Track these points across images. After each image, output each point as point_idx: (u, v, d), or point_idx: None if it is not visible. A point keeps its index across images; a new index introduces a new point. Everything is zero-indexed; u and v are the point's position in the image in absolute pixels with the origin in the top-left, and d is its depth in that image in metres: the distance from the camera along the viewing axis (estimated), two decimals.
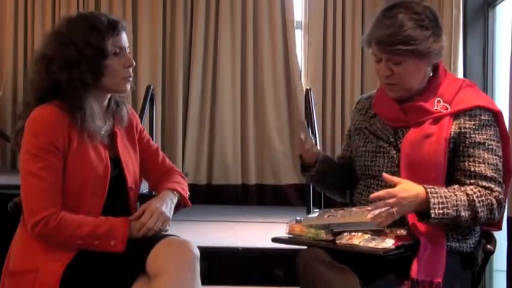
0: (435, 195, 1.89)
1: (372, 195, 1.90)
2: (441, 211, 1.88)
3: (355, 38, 5.31)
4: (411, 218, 1.97)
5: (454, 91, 2.04)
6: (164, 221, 2.02)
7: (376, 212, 1.88)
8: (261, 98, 5.35)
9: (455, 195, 1.91)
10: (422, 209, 1.90)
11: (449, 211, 1.89)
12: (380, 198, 1.88)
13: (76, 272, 1.92)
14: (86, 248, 1.94)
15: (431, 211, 1.87)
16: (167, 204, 2.06)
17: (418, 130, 2.00)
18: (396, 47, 1.94)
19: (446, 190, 1.92)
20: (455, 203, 1.90)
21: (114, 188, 2.03)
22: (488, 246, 2.03)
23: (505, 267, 3.01)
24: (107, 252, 1.93)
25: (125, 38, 2.04)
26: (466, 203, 1.91)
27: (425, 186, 1.90)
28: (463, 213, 1.90)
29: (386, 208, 1.87)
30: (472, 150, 1.98)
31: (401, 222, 1.98)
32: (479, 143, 1.98)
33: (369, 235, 1.94)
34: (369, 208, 1.91)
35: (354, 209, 2.02)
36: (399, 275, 1.94)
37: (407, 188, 1.89)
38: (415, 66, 1.98)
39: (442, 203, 1.88)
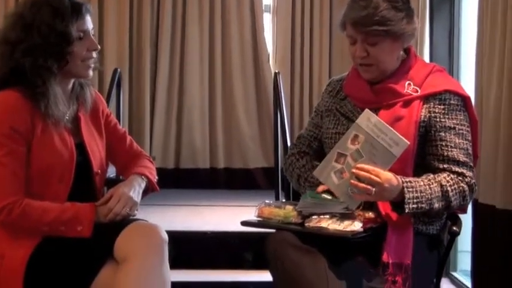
0: (411, 189, 1.90)
1: (358, 165, 1.89)
2: (415, 205, 1.90)
3: (323, 22, 5.32)
4: (380, 202, 1.98)
5: (424, 75, 2.06)
6: (132, 206, 2.00)
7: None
8: (229, 81, 5.33)
9: (430, 188, 1.92)
10: (397, 201, 1.91)
11: (423, 205, 1.91)
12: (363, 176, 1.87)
13: (42, 258, 1.90)
14: (53, 234, 1.91)
15: (406, 205, 1.89)
16: (135, 189, 2.04)
17: (389, 112, 2.02)
18: (372, 28, 1.96)
19: (422, 183, 1.92)
20: (429, 197, 1.91)
21: (79, 173, 2.01)
22: (454, 228, 2.05)
23: (469, 248, 3.07)
24: (73, 238, 1.91)
25: (89, 21, 2.00)
26: (440, 194, 1.93)
27: (403, 179, 1.91)
28: (436, 205, 1.93)
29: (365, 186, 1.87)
30: (443, 134, 2.00)
31: (369, 205, 2.00)
32: (450, 128, 2.00)
33: (337, 217, 1.95)
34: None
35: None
36: (367, 257, 1.96)
37: (391, 178, 1.88)
38: (389, 47, 2.01)
39: (417, 197, 1.90)
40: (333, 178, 1.93)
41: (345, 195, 1.92)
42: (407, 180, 1.92)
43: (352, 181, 1.89)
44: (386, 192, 1.88)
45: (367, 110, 1.94)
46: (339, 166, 1.92)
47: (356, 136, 1.92)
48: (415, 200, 1.90)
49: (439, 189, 1.94)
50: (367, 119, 1.91)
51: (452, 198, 1.95)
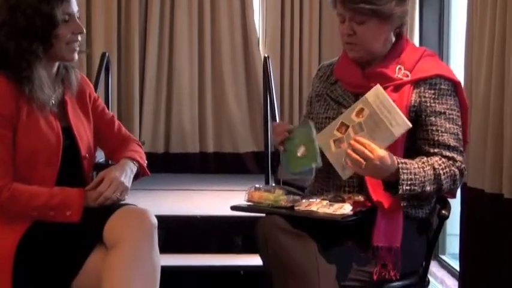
0: (406, 171, 1.90)
1: (356, 137, 1.89)
2: (408, 187, 1.90)
3: (313, 5, 5.29)
4: (370, 184, 1.99)
5: (415, 59, 2.06)
6: (123, 190, 2.00)
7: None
8: (219, 65, 5.31)
9: (424, 171, 1.92)
10: (390, 181, 1.91)
11: (416, 187, 1.91)
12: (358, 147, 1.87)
13: (32, 243, 1.89)
14: (42, 219, 1.91)
15: (400, 187, 1.89)
16: (126, 174, 2.03)
17: None
18: (359, 5, 1.96)
19: (416, 166, 1.92)
20: (423, 180, 1.91)
21: (67, 157, 2.00)
22: (443, 212, 2.07)
23: (457, 232, 3.10)
24: (63, 223, 1.90)
25: (74, 4, 1.99)
26: (432, 177, 1.94)
27: (398, 160, 1.90)
28: (428, 188, 1.93)
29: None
30: (433, 119, 2.00)
31: (359, 188, 2.01)
32: (440, 113, 2.00)
33: (327, 201, 1.96)
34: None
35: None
36: (357, 241, 1.97)
37: (384, 156, 1.87)
38: (377, 28, 2.00)
39: (411, 179, 1.90)
40: (331, 145, 1.95)
41: (338, 164, 1.94)
42: (403, 161, 1.91)
43: (347, 150, 1.89)
44: (376, 169, 1.88)
45: (377, 86, 1.94)
46: (339, 135, 1.95)
47: (361, 109, 1.93)
48: (409, 182, 1.90)
49: (432, 172, 1.94)
50: (376, 95, 1.92)
51: (444, 182, 1.95)
